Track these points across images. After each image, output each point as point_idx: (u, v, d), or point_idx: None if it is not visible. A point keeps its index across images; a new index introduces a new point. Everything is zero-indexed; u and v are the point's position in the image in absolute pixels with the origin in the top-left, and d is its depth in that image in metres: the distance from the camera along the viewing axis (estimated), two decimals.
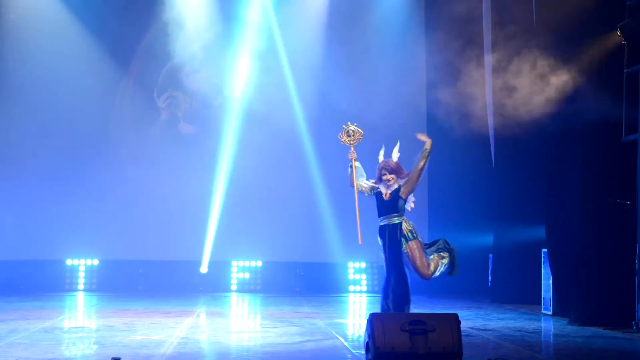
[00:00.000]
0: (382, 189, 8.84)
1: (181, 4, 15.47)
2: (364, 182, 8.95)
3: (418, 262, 8.73)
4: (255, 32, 15.44)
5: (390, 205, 8.77)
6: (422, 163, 8.74)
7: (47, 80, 15.13)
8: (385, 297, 8.76)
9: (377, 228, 8.91)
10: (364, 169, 9.07)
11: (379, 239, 8.86)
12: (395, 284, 8.70)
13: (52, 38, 15.22)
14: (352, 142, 8.98)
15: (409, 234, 8.75)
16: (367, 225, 9.11)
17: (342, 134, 9.03)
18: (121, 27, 15.40)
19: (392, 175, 8.80)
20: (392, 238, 8.72)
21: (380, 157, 8.99)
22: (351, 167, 8.98)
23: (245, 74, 15.39)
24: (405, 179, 8.80)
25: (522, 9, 12.10)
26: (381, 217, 8.84)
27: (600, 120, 10.24)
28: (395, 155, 8.96)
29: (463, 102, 12.60)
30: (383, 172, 8.82)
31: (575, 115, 10.56)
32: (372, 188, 8.90)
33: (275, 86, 15.28)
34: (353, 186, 8.95)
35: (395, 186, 8.82)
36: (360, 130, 8.99)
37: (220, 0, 15.53)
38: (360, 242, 9.00)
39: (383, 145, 9.03)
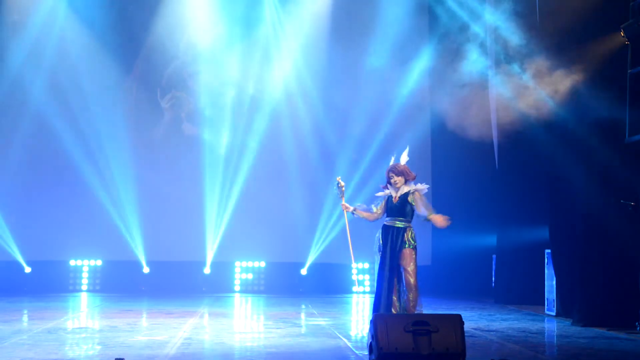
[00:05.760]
0: (392, 192, 8.89)
1: (185, 5, 15.50)
2: (371, 214, 8.99)
3: (409, 267, 8.73)
4: (258, 33, 15.45)
5: (398, 209, 8.82)
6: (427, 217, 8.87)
7: (51, 81, 15.14)
8: (389, 294, 8.72)
9: (380, 230, 8.95)
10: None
11: (380, 237, 8.87)
12: (400, 282, 8.73)
13: (55, 39, 15.24)
14: (342, 197, 9.05)
15: (411, 239, 8.78)
16: (370, 226, 9.14)
17: (337, 191, 9.12)
18: (125, 28, 15.41)
19: (400, 178, 8.87)
20: (394, 239, 8.76)
21: (391, 163, 9.05)
22: (354, 214, 9.02)
23: (249, 74, 15.39)
24: (421, 201, 8.82)
25: (525, 11, 12.09)
26: (388, 218, 8.87)
27: (604, 121, 10.24)
28: (404, 159, 9.02)
29: (467, 103, 12.60)
30: (390, 174, 8.91)
31: (579, 115, 10.55)
32: (385, 201, 8.94)
33: (279, 87, 15.29)
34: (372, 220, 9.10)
35: (405, 190, 8.85)
36: (342, 184, 9.08)
37: (224, 0, 15.53)
38: (353, 260, 9.10)
39: (395, 153, 9.08)
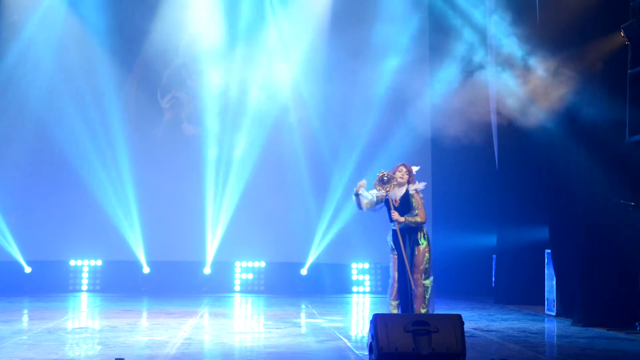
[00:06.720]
0: (391, 194, 8.84)
1: (185, 5, 15.49)
2: (369, 196, 8.96)
3: (421, 266, 8.74)
4: (259, 33, 15.45)
5: (402, 211, 8.78)
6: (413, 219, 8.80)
7: (50, 81, 15.14)
8: (405, 300, 8.71)
9: (390, 232, 8.90)
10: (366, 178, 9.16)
11: (391, 241, 8.83)
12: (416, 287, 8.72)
13: (54, 39, 15.23)
14: (388, 189, 8.95)
15: (424, 237, 8.80)
16: (370, 226, 9.10)
17: (377, 182, 9.00)
18: (125, 28, 15.39)
19: (406, 176, 8.86)
20: (408, 241, 8.76)
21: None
22: (378, 201, 8.96)
23: (249, 74, 15.38)
24: (420, 202, 8.83)
25: (525, 11, 12.09)
26: (394, 222, 8.82)
27: (604, 121, 10.24)
28: (414, 169, 9.06)
29: (467, 103, 12.61)
30: (400, 167, 8.90)
31: (578, 116, 10.55)
32: (380, 198, 8.91)
33: (279, 88, 15.29)
34: (362, 209, 9.02)
35: (403, 190, 8.85)
36: (394, 175, 8.99)
37: (224, 0, 15.53)
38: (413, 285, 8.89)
39: (405, 161, 9.14)
